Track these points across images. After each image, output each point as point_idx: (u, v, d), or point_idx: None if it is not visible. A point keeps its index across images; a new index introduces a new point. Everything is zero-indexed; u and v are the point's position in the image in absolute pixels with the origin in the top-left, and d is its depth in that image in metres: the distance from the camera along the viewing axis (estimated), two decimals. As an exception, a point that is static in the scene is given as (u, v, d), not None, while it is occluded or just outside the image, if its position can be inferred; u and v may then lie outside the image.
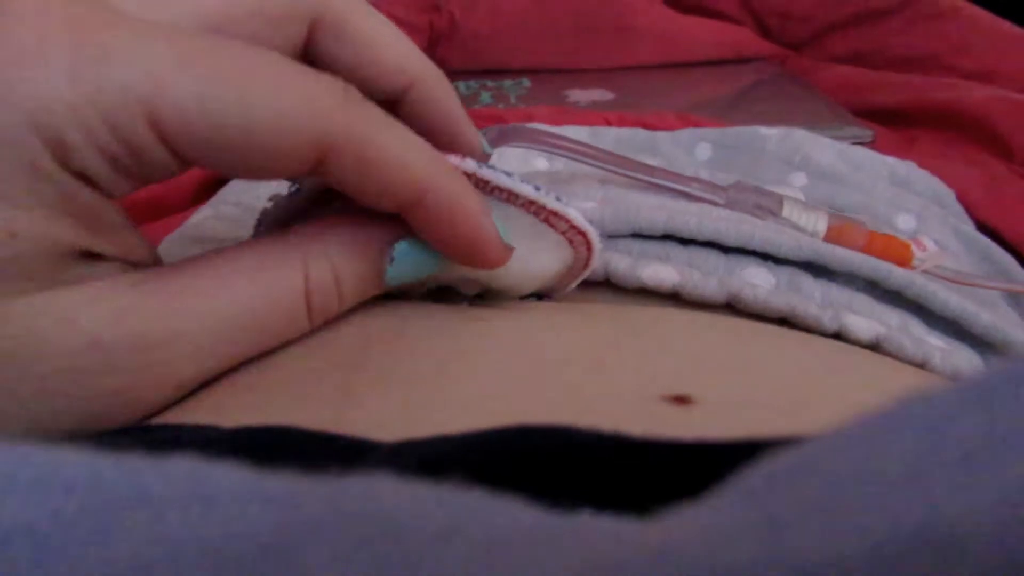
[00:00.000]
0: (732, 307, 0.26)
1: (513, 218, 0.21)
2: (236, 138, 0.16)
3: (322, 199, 0.22)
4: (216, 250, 0.19)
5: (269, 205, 0.23)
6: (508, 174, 0.20)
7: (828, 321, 0.25)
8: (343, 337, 0.20)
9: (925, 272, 0.30)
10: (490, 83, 0.69)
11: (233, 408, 0.18)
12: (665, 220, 0.27)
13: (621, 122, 0.49)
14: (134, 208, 0.48)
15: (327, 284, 0.19)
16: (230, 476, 0.08)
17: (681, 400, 0.17)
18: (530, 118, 0.50)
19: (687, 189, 0.31)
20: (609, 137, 0.43)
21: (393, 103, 0.22)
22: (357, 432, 0.15)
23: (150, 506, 0.08)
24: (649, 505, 0.09)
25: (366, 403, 0.17)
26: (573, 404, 0.17)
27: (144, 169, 0.16)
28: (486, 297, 0.24)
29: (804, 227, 0.30)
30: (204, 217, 0.39)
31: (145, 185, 0.18)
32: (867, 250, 0.30)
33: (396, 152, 0.18)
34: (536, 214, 0.21)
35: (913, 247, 0.30)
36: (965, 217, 0.41)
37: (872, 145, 0.50)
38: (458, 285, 0.23)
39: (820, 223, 0.31)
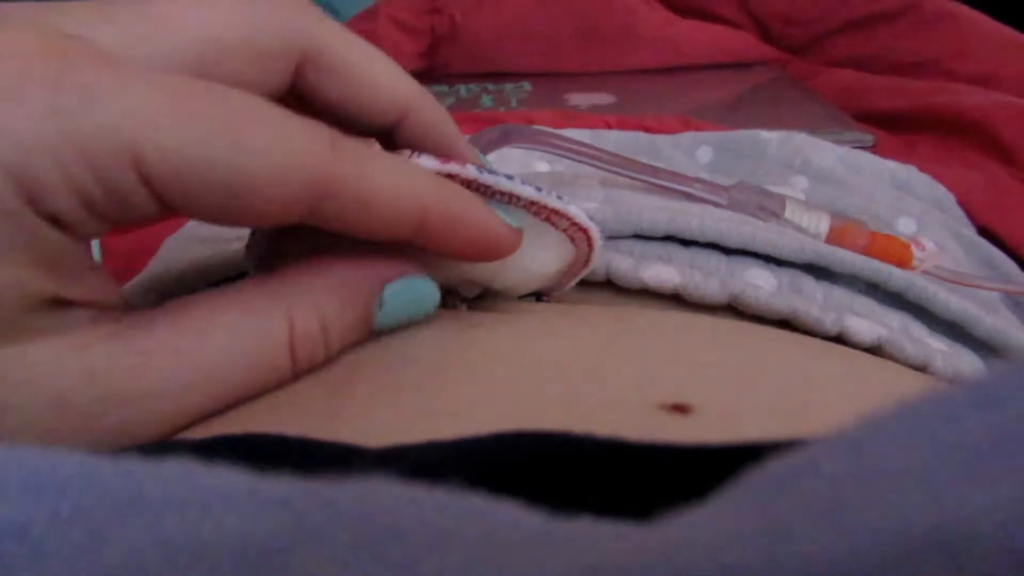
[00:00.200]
0: (733, 308, 0.26)
1: (514, 217, 0.21)
2: (224, 184, 0.15)
3: None
4: (196, 297, 0.18)
5: None
6: (509, 177, 0.20)
7: (830, 323, 0.25)
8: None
9: (925, 272, 0.30)
10: (491, 86, 0.69)
11: (217, 425, 0.17)
12: (667, 221, 0.27)
13: (622, 126, 0.49)
14: (155, 220, 0.47)
15: (312, 334, 0.18)
16: (226, 479, 0.08)
17: (680, 409, 0.17)
18: (531, 121, 0.50)
19: (689, 190, 0.31)
20: (610, 140, 0.43)
21: (386, 133, 0.22)
22: (345, 440, 0.15)
23: (146, 508, 0.08)
24: (647, 511, 0.09)
25: (355, 412, 0.17)
26: (569, 414, 0.17)
27: (122, 212, 0.16)
28: (486, 297, 0.24)
29: (807, 228, 0.30)
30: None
31: (121, 228, 0.17)
32: (868, 250, 0.30)
33: (391, 183, 0.17)
34: (537, 214, 0.21)
35: (913, 247, 0.30)
36: (966, 221, 0.41)
37: (873, 149, 0.50)
38: (458, 287, 0.23)
39: (822, 224, 0.30)
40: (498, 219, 0.20)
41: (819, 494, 0.07)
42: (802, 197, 0.36)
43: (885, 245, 0.30)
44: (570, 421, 0.16)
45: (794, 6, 0.72)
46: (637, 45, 0.72)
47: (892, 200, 0.37)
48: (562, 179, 0.35)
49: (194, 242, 0.36)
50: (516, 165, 0.40)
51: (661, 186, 0.31)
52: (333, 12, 0.94)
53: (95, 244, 0.44)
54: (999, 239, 0.40)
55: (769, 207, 0.31)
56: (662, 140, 0.43)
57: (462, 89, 0.68)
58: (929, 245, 0.30)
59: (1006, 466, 0.07)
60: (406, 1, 0.74)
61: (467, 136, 0.31)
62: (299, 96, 0.21)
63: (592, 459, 0.13)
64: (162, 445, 0.16)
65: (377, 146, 0.22)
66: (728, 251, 0.28)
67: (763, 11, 0.73)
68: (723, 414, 0.17)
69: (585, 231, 0.22)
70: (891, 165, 0.41)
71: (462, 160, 0.20)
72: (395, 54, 0.78)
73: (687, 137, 0.43)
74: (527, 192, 0.21)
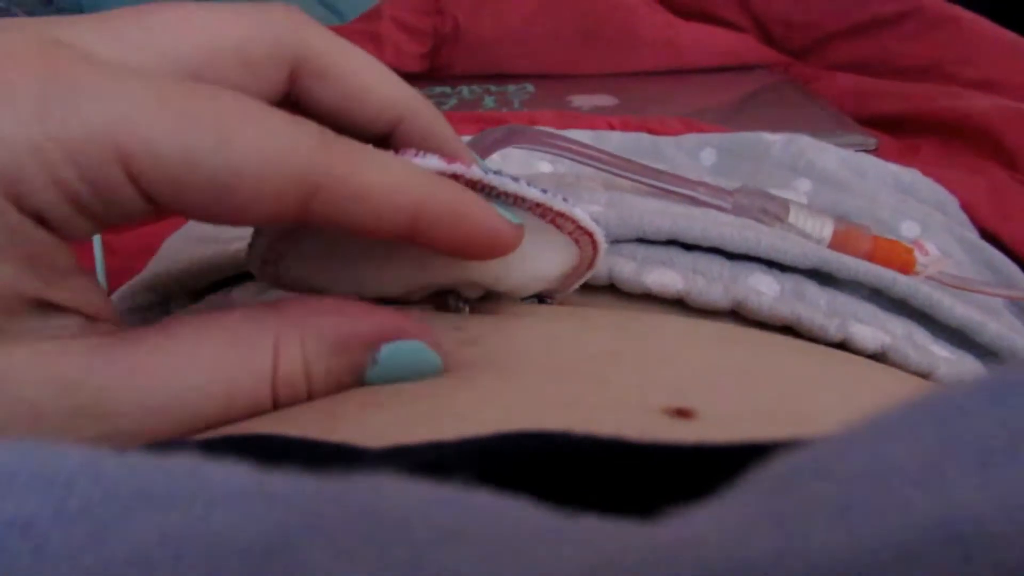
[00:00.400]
0: (735, 313, 0.26)
1: (518, 217, 0.21)
2: (212, 180, 0.15)
3: None
4: (187, 319, 0.18)
5: None
6: (515, 179, 0.20)
7: (834, 330, 0.25)
8: None
9: (928, 278, 0.30)
10: (494, 88, 0.69)
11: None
12: (670, 225, 0.27)
13: (624, 127, 0.49)
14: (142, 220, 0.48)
15: (296, 378, 0.18)
16: (232, 474, 0.08)
17: (683, 413, 0.17)
18: (534, 123, 0.50)
19: (693, 193, 0.31)
20: (612, 141, 0.43)
21: (382, 140, 0.22)
22: (344, 440, 0.14)
23: (151, 503, 0.07)
24: (649, 511, 0.09)
25: (354, 414, 0.17)
26: (571, 418, 0.17)
27: (110, 210, 0.16)
28: (488, 298, 0.24)
29: (810, 233, 0.30)
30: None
31: (109, 228, 0.17)
32: (871, 255, 0.30)
33: (383, 178, 0.17)
34: (542, 216, 0.21)
35: (916, 252, 0.30)
36: (969, 225, 0.41)
37: (875, 153, 0.50)
38: (461, 289, 0.23)
39: (826, 228, 0.30)
40: (497, 215, 0.20)
41: (827, 490, 0.07)
42: (805, 200, 0.36)
43: (888, 250, 0.30)
44: (572, 425, 0.16)
45: (796, 10, 0.72)
46: (639, 47, 0.72)
47: (895, 203, 0.37)
48: (564, 180, 0.35)
49: (194, 242, 0.35)
50: (518, 165, 0.40)
51: (665, 189, 0.31)
52: (336, 13, 0.94)
53: (97, 245, 0.44)
54: (1002, 243, 0.40)
55: (773, 211, 0.31)
56: (665, 141, 0.43)
57: (464, 90, 0.68)
58: (932, 249, 0.30)
59: (1014, 462, 0.07)
60: (409, 2, 0.75)
61: (470, 136, 0.31)
62: (294, 104, 0.21)
63: (594, 459, 0.13)
64: (166, 443, 0.16)
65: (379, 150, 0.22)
66: (731, 256, 0.27)
67: (765, 14, 0.73)
68: (725, 419, 0.17)
69: (590, 234, 0.22)
70: (894, 168, 0.41)
71: (465, 161, 0.20)
72: (397, 55, 0.78)
73: (690, 139, 0.43)
74: (533, 194, 0.21)
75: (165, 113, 0.15)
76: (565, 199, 0.21)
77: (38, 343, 0.16)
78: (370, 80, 0.21)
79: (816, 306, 0.26)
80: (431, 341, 0.19)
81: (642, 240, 0.28)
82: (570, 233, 0.22)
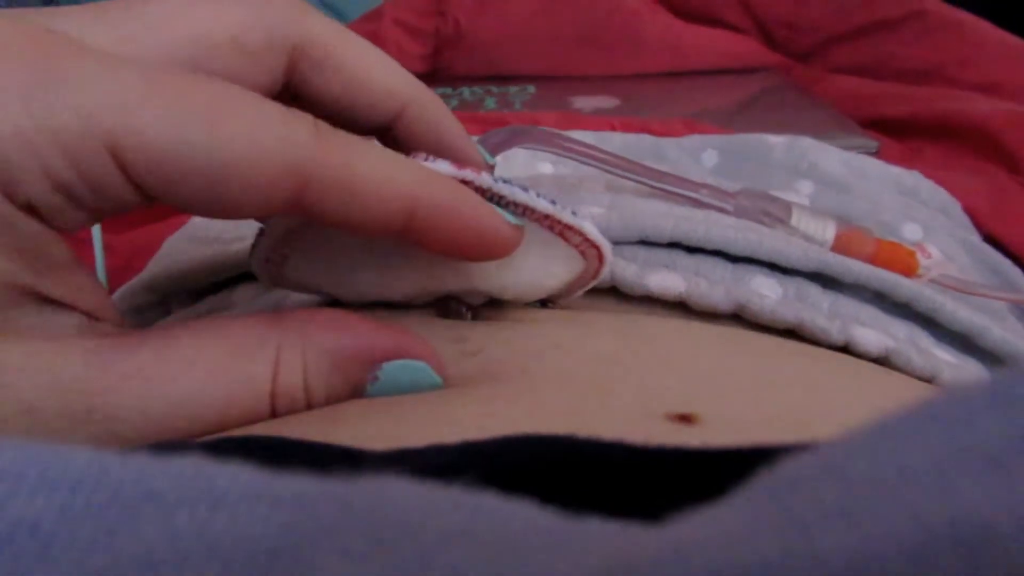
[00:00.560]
0: (738, 317, 0.26)
1: (526, 231, 0.21)
2: (202, 170, 0.15)
3: None
4: (188, 325, 0.18)
5: None
6: (524, 188, 0.20)
7: (836, 333, 0.25)
8: None
9: (931, 281, 0.30)
10: (495, 89, 0.69)
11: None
12: (672, 227, 0.27)
13: (626, 128, 0.49)
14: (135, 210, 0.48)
15: (294, 390, 0.18)
16: (237, 476, 0.08)
17: (686, 419, 0.17)
18: (535, 123, 0.50)
19: (695, 195, 0.31)
20: (615, 142, 0.43)
21: (385, 129, 0.22)
22: (345, 444, 0.14)
23: (157, 505, 0.07)
24: (653, 515, 0.09)
25: (354, 420, 0.17)
26: (573, 425, 0.17)
27: (101, 200, 0.16)
28: (491, 303, 0.24)
29: (813, 235, 0.30)
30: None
31: (101, 219, 0.17)
32: (874, 258, 0.30)
33: (377, 172, 0.17)
34: (551, 227, 0.21)
35: (918, 255, 0.30)
36: (971, 228, 0.41)
37: (877, 156, 0.50)
38: (465, 295, 0.23)
39: (828, 231, 0.30)
40: (497, 215, 0.19)
41: (835, 493, 0.07)
42: (807, 202, 0.36)
43: (891, 253, 0.30)
44: (575, 431, 0.16)
45: (799, 13, 0.72)
46: (641, 49, 0.72)
47: (898, 206, 0.37)
48: (566, 182, 0.35)
49: (195, 242, 0.35)
50: (520, 166, 0.40)
51: (667, 191, 0.31)
52: (337, 14, 0.94)
53: (97, 244, 0.44)
54: (1004, 246, 0.40)
55: (775, 213, 0.31)
56: (667, 143, 0.43)
57: (466, 91, 0.68)
58: (934, 252, 0.30)
59: (1022, 467, 0.07)
60: (410, 3, 0.75)
61: (475, 137, 0.31)
62: (294, 94, 0.21)
63: (598, 463, 0.12)
64: (169, 444, 0.16)
65: (376, 143, 0.22)
66: (733, 258, 0.27)
67: (768, 17, 0.73)
68: (729, 424, 0.17)
69: (597, 247, 0.22)
70: (896, 171, 0.41)
71: (476, 166, 0.20)
72: (399, 56, 0.77)
73: (692, 140, 0.43)
74: (542, 205, 0.20)
75: (155, 102, 0.15)
76: (574, 212, 0.21)
77: (37, 342, 0.16)
78: (371, 69, 0.21)
79: (819, 309, 0.26)
80: (436, 364, 0.19)
81: (644, 242, 0.28)
82: (577, 245, 0.22)
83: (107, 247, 0.44)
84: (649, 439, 0.16)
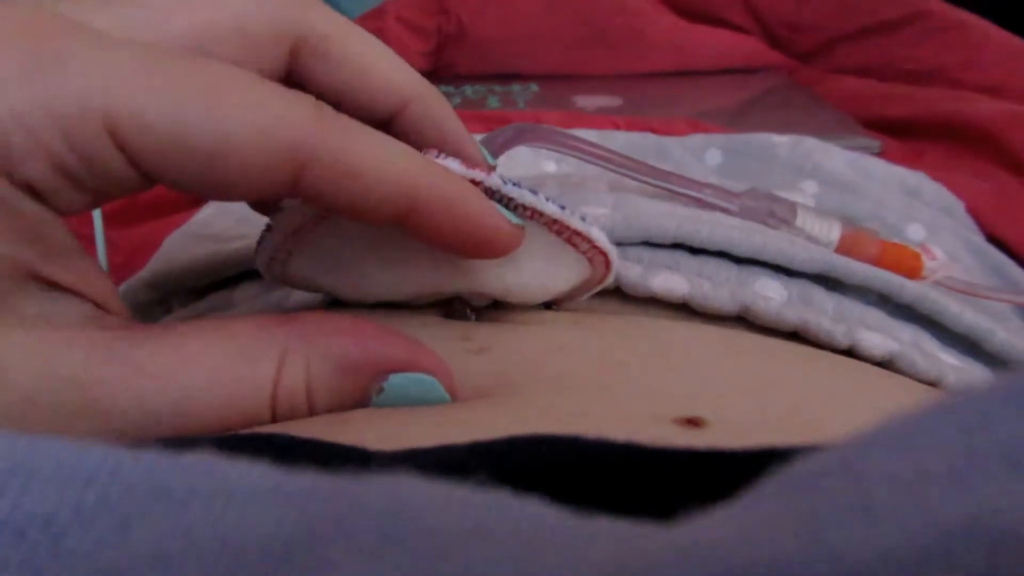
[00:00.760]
0: (743, 318, 0.26)
1: (534, 234, 0.21)
2: (202, 150, 0.15)
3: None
4: (196, 324, 0.18)
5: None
6: (533, 192, 0.20)
7: (841, 336, 0.25)
8: None
9: (936, 283, 0.30)
10: (498, 88, 0.69)
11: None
12: (676, 228, 0.27)
13: (630, 127, 0.49)
14: (139, 206, 0.48)
15: (296, 395, 0.18)
16: (249, 472, 0.08)
17: (693, 422, 0.17)
18: (539, 122, 0.50)
19: (700, 195, 0.31)
20: (618, 141, 0.43)
21: (387, 124, 0.21)
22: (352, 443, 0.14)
23: (170, 500, 0.07)
24: (664, 516, 0.09)
25: (361, 421, 0.17)
26: (580, 428, 0.17)
27: (100, 181, 0.16)
28: (495, 305, 0.24)
29: (817, 236, 0.30)
30: (210, 213, 0.39)
31: (103, 202, 0.17)
32: (879, 260, 0.29)
33: (378, 157, 0.17)
34: (559, 232, 0.21)
35: (923, 256, 0.30)
36: (975, 229, 0.41)
37: (879, 156, 0.50)
38: (470, 297, 0.23)
39: (834, 232, 0.30)
40: (497, 213, 0.19)
41: (851, 491, 0.07)
42: (812, 202, 0.36)
43: (896, 255, 0.30)
44: (582, 434, 0.16)
45: (802, 13, 0.72)
46: (645, 49, 0.72)
47: (902, 206, 0.37)
48: (569, 181, 0.35)
49: (196, 240, 0.35)
50: (524, 164, 0.40)
51: (671, 191, 0.31)
52: (340, 11, 0.94)
53: (99, 241, 0.44)
54: (1008, 248, 0.40)
55: (780, 214, 0.31)
56: (670, 142, 0.43)
57: (468, 90, 0.68)
58: (939, 254, 0.30)
59: None
60: (413, 1, 0.75)
61: (479, 136, 0.31)
62: (297, 84, 0.21)
63: (607, 463, 0.12)
64: (178, 440, 0.15)
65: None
66: (738, 260, 0.27)
67: (771, 17, 0.73)
68: (735, 428, 0.17)
69: (604, 254, 0.22)
70: (900, 171, 0.41)
71: (485, 167, 0.20)
72: (402, 53, 0.77)
73: (696, 139, 0.43)
74: (551, 210, 0.20)
75: (153, 81, 0.15)
76: (583, 218, 0.21)
77: (39, 331, 0.16)
78: (374, 61, 0.21)
79: (824, 312, 0.26)
80: (446, 379, 0.19)
81: (648, 243, 0.28)
82: (584, 252, 0.22)
83: (109, 243, 0.44)
84: (657, 442, 0.16)
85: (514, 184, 0.20)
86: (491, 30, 0.74)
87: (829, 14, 0.70)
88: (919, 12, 0.65)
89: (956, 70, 0.62)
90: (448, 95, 0.68)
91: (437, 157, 0.19)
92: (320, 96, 0.21)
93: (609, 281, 0.24)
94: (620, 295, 0.27)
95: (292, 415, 0.18)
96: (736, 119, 0.60)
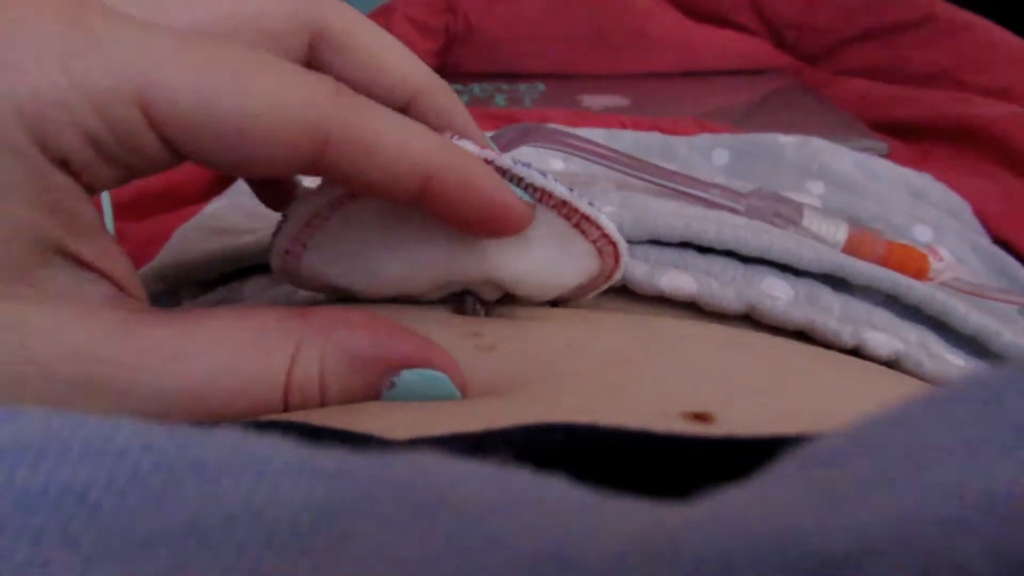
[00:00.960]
0: (749, 317, 0.26)
1: (544, 223, 0.21)
2: (230, 126, 0.16)
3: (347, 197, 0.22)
4: (217, 310, 0.18)
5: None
6: (543, 173, 0.20)
7: (847, 336, 0.25)
8: None
9: (942, 284, 0.30)
10: (505, 86, 0.69)
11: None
12: (683, 227, 0.27)
13: (636, 127, 0.49)
14: (149, 198, 0.48)
15: (309, 387, 0.18)
16: (278, 448, 0.08)
17: (701, 418, 0.17)
18: (546, 121, 0.50)
19: (707, 195, 0.31)
20: (625, 140, 0.43)
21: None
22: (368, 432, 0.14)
23: (202, 473, 0.08)
24: (679, 498, 0.09)
25: (374, 413, 0.17)
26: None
27: (131, 156, 0.16)
28: (503, 301, 0.24)
29: (824, 236, 0.30)
30: (220, 207, 0.39)
31: (131, 179, 0.17)
32: (885, 261, 0.30)
33: (395, 133, 0.18)
34: (568, 217, 0.21)
35: (930, 257, 0.30)
36: (981, 230, 0.41)
37: (886, 158, 0.50)
38: (479, 289, 0.23)
39: (840, 232, 0.30)
40: (510, 191, 0.20)
41: (870, 466, 0.07)
42: (818, 203, 0.36)
43: (902, 255, 0.30)
44: None
45: (809, 15, 0.72)
46: (651, 49, 0.72)
47: (908, 207, 0.37)
48: (576, 180, 0.35)
49: (205, 233, 0.36)
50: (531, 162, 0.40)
51: (678, 191, 0.31)
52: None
53: (109, 228, 0.44)
54: (1014, 249, 0.40)
55: (787, 214, 0.31)
56: (677, 141, 0.43)
57: (476, 88, 0.68)
58: (945, 255, 0.30)
59: None
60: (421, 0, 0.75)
61: (488, 133, 0.31)
62: None
63: (619, 451, 0.13)
64: (203, 424, 0.16)
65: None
66: (745, 259, 0.27)
67: (778, 19, 0.73)
68: (743, 424, 0.17)
69: (614, 244, 0.22)
70: (907, 172, 0.41)
71: (495, 151, 0.20)
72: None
73: (703, 139, 0.43)
74: (559, 191, 0.20)
75: (185, 61, 0.16)
76: (591, 203, 0.21)
77: (63, 307, 0.16)
78: (385, 55, 0.22)
79: (830, 311, 0.26)
80: (456, 376, 0.19)
81: (655, 242, 0.28)
82: (595, 241, 0.22)
83: (120, 235, 0.45)
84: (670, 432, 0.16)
85: (524, 165, 0.20)
86: (498, 29, 0.74)
87: (836, 16, 0.70)
88: (926, 15, 0.66)
89: (963, 72, 0.62)
90: (456, 93, 0.68)
91: (452, 139, 0.20)
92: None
93: (618, 276, 0.24)
94: (627, 294, 0.27)
95: (304, 406, 0.18)
96: (742, 120, 0.60)
